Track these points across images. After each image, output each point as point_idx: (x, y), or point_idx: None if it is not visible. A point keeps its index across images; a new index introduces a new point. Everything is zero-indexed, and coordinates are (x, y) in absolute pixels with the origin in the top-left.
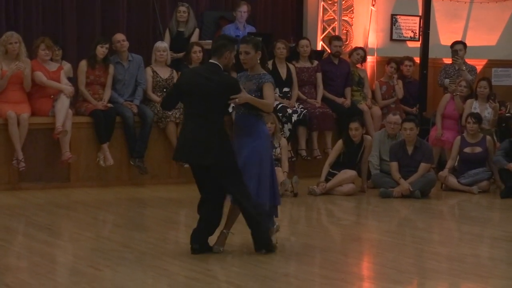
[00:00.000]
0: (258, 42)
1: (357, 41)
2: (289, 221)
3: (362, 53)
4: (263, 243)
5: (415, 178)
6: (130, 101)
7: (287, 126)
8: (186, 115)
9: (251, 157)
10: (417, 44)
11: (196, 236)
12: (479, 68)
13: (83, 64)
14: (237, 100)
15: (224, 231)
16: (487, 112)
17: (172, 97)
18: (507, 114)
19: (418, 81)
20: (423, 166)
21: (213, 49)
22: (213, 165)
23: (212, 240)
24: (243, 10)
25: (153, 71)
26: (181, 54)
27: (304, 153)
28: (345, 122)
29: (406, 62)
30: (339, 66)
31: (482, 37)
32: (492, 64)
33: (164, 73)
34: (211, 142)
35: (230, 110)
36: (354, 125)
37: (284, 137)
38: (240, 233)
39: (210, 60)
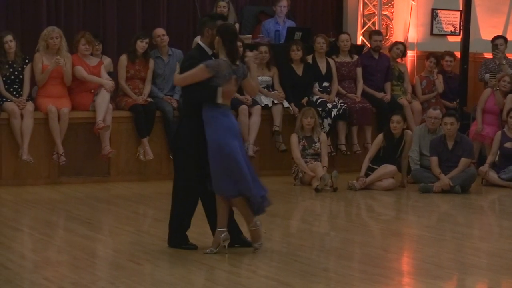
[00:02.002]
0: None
1: (397, 36)
2: (328, 216)
3: (402, 47)
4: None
5: (455, 173)
6: (170, 95)
7: (327, 121)
8: None
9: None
10: (458, 39)
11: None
12: None
13: (123, 58)
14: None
15: (252, 228)
16: None
17: None
18: None
19: (459, 75)
20: (463, 161)
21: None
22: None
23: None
24: (283, 4)
25: None
26: None
27: (343, 148)
28: (385, 117)
29: (447, 58)
30: (379, 61)
31: None
32: None
33: None
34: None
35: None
36: (396, 117)
37: (324, 132)
38: (280, 227)
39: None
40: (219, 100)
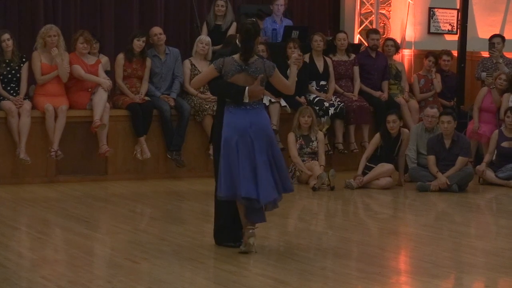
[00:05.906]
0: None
1: (394, 34)
2: (326, 214)
3: (391, 42)
4: None
5: (452, 171)
6: (167, 94)
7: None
8: None
9: None
10: (455, 38)
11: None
12: None
13: (120, 57)
14: None
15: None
16: None
17: None
18: None
19: (456, 74)
20: (460, 159)
21: None
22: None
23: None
24: (280, 3)
25: (192, 64)
26: (218, 47)
27: (341, 146)
28: (382, 115)
29: (444, 57)
30: (377, 60)
31: None
32: None
33: (203, 66)
34: None
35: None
36: (391, 117)
37: (322, 130)
38: (277, 226)
39: None
40: (246, 99)
